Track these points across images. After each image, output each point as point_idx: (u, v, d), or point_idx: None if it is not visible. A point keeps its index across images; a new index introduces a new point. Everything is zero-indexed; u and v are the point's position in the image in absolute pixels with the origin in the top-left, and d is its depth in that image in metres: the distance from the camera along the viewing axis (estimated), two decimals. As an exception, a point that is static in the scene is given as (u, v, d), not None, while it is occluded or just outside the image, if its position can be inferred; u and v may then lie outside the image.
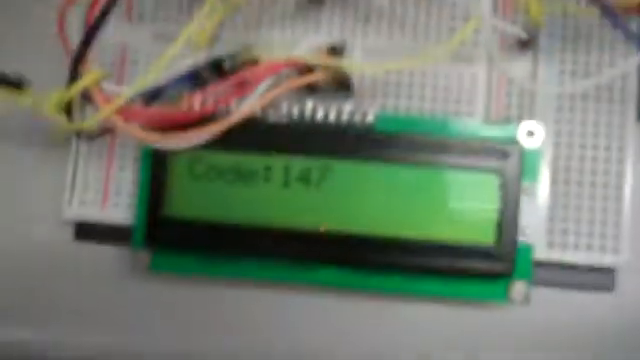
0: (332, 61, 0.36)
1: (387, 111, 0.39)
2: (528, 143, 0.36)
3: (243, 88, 0.36)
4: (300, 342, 0.39)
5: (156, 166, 0.37)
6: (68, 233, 0.40)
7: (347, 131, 0.37)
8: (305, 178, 0.37)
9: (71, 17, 0.36)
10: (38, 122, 0.39)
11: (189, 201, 0.37)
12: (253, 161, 0.37)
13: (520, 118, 0.38)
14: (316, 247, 0.37)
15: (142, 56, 0.40)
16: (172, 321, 0.40)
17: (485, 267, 0.36)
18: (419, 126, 0.37)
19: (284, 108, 0.37)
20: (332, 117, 0.37)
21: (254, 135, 0.37)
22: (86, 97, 0.35)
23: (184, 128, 0.36)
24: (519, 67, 0.39)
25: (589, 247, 0.37)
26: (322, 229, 0.36)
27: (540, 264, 0.38)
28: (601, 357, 0.38)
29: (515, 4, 0.38)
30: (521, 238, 0.36)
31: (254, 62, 0.36)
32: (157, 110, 0.36)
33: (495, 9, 0.38)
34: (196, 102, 0.36)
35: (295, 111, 0.37)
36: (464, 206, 0.36)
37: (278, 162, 0.37)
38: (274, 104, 0.37)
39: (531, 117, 0.38)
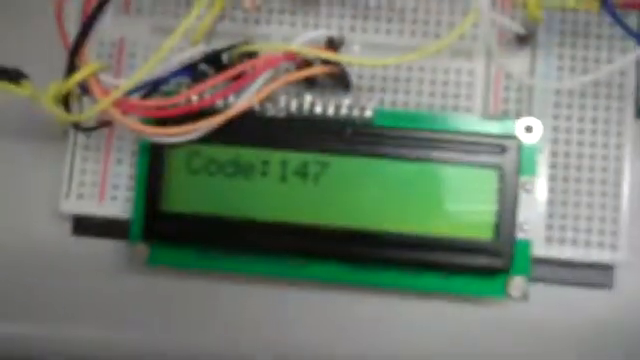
0: (330, 55, 0.36)
1: (385, 106, 0.39)
2: (526, 139, 0.36)
3: (241, 81, 0.36)
4: (297, 337, 0.39)
5: (154, 160, 0.37)
6: (65, 227, 0.40)
7: (345, 126, 0.37)
8: (302, 172, 0.37)
9: (69, 10, 0.36)
10: (35, 116, 0.39)
11: (187, 195, 0.37)
12: (251, 155, 0.37)
13: (518, 113, 0.38)
14: (313, 242, 0.37)
15: (140, 49, 0.40)
16: (170, 315, 0.40)
17: (483, 263, 0.36)
18: (417, 121, 0.37)
19: (282, 102, 0.37)
20: (330, 111, 0.37)
21: (252, 129, 0.37)
22: (84, 90, 0.35)
23: (182, 121, 0.36)
24: (517, 62, 0.39)
25: (587, 243, 0.37)
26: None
27: (538, 260, 0.38)
28: (599, 353, 0.38)
29: (513, -1, 0.38)
30: (519, 234, 0.36)
31: (252, 55, 0.36)
32: (155, 103, 0.36)
33: (493, 3, 0.38)
34: (194, 95, 0.36)
35: (293, 105, 0.37)
36: (462, 201, 0.36)
37: (275, 156, 0.37)
38: (272, 98, 0.37)
39: (529, 112, 0.38)
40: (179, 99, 0.36)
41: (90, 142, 0.39)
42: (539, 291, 0.38)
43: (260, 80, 0.35)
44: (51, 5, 0.35)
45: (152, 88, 0.36)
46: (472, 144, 0.36)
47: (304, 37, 0.36)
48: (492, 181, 0.36)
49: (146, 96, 0.36)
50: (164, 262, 0.38)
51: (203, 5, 0.34)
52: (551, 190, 0.38)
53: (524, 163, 0.36)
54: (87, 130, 0.38)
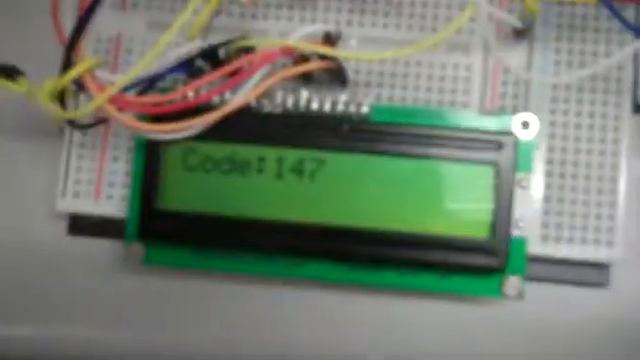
0: (327, 50, 0.36)
1: (382, 101, 0.39)
2: (523, 135, 0.36)
3: (238, 78, 0.35)
4: (294, 337, 0.39)
5: (150, 157, 0.37)
6: (61, 226, 0.40)
7: (342, 122, 0.37)
8: (299, 169, 0.37)
9: (65, 5, 0.36)
10: (30, 113, 0.39)
11: (182, 193, 0.37)
12: (247, 152, 0.37)
13: (515, 109, 0.38)
14: (309, 240, 0.36)
15: (136, 45, 0.40)
16: (165, 315, 0.40)
17: (479, 262, 0.36)
18: (414, 117, 0.37)
19: (279, 98, 0.37)
20: (327, 107, 0.37)
21: (248, 125, 0.37)
22: (80, 86, 0.35)
23: (178, 118, 0.36)
24: (514, 56, 0.39)
25: (583, 241, 0.37)
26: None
27: (534, 258, 0.38)
28: (595, 351, 0.38)
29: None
30: (515, 232, 0.36)
31: (249, 51, 0.36)
32: (151, 99, 0.36)
33: (491, -3, 0.39)
34: (190, 92, 0.36)
35: (290, 101, 0.37)
36: (458, 198, 0.36)
37: (271, 153, 0.37)
38: (269, 94, 0.37)
39: (526, 107, 0.38)
40: (175, 95, 0.36)
41: (86, 140, 0.39)
42: (535, 289, 0.38)
43: (257, 76, 0.35)
44: (47, 1, 0.35)
45: (148, 84, 0.36)
46: (468, 140, 0.36)
47: (301, 32, 0.35)
48: (488, 178, 0.36)
49: (142, 93, 0.36)
50: (160, 262, 0.38)
51: (199, 0, 0.34)
52: (547, 186, 0.38)
53: (520, 160, 0.36)
54: (83, 127, 0.38)
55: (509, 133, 0.36)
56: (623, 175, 0.38)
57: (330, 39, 0.36)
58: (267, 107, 0.37)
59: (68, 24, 0.35)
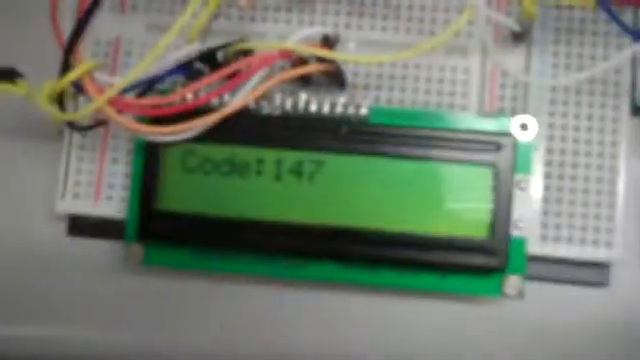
0: (326, 53, 0.36)
1: (381, 104, 0.39)
2: (521, 136, 0.36)
3: (236, 80, 0.35)
4: (294, 337, 0.39)
5: (149, 158, 0.37)
6: (61, 227, 0.40)
7: (340, 124, 0.37)
8: (297, 171, 0.37)
9: (64, 7, 0.36)
10: (30, 115, 0.39)
11: (182, 194, 0.37)
12: (246, 154, 0.37)
13: (513, 111, 0.38)
14: (308, 241, 0.36)
15: (135, 47, 0.40)
16: (165, 315, 0.40)
17: (479, 262, 0.36)
18: (413, 119, 0.37)
19: (277, 100, 0.37)
20: (326, 110, 0.37)
21: (247, 127, 0.37)
22: (79, 88, 0.35)
23: (177, 120, 0.36)
24: (512, 60, 0.39)
25: (582, 241, 0.37)
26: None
27: (534, 258, 0.38)
28: (595, 351, 0.38)
29: (508, -5, 0.39)
30: (515, 232, 0.36)
31: (248, 53, 0.36)
32: (150, 101, 0.36)
33: (489, 0, 0.38)
34: (189, 94, 0.36)
35: (288, 103, 0.37)
36: (457, 199, 0.36)
37: (270, 155, 0.37)
38: (267, 96, 0.37)
39: (524, 110, 0.38)
40: (174, 98, 0.36)
41: (85, 142, 0.39)
42: (534, 289, 0.38)
43: (255, 78, 0.35)
44: (46, 3, 0.35)
45: (147, 87, 0.36)
46: (467, 142, 0.36)
47: (299, 35, 0.36)
48: (487, 179, 0.36)
49: (141, 95, 0.36)
50: (159, 262, 0.38)
51: (198, 3, 0.34)
52: (546, 188, 0.38)
53: (519, 161, 0.36)
54: (82, 129, 0.38)
55: (508, 135, 0.36)
56: (622, 176, 0.38)
57: (328, 42, 0.36)
58: (266, 109, 0.37)
59: (67, 26, 0.35)
